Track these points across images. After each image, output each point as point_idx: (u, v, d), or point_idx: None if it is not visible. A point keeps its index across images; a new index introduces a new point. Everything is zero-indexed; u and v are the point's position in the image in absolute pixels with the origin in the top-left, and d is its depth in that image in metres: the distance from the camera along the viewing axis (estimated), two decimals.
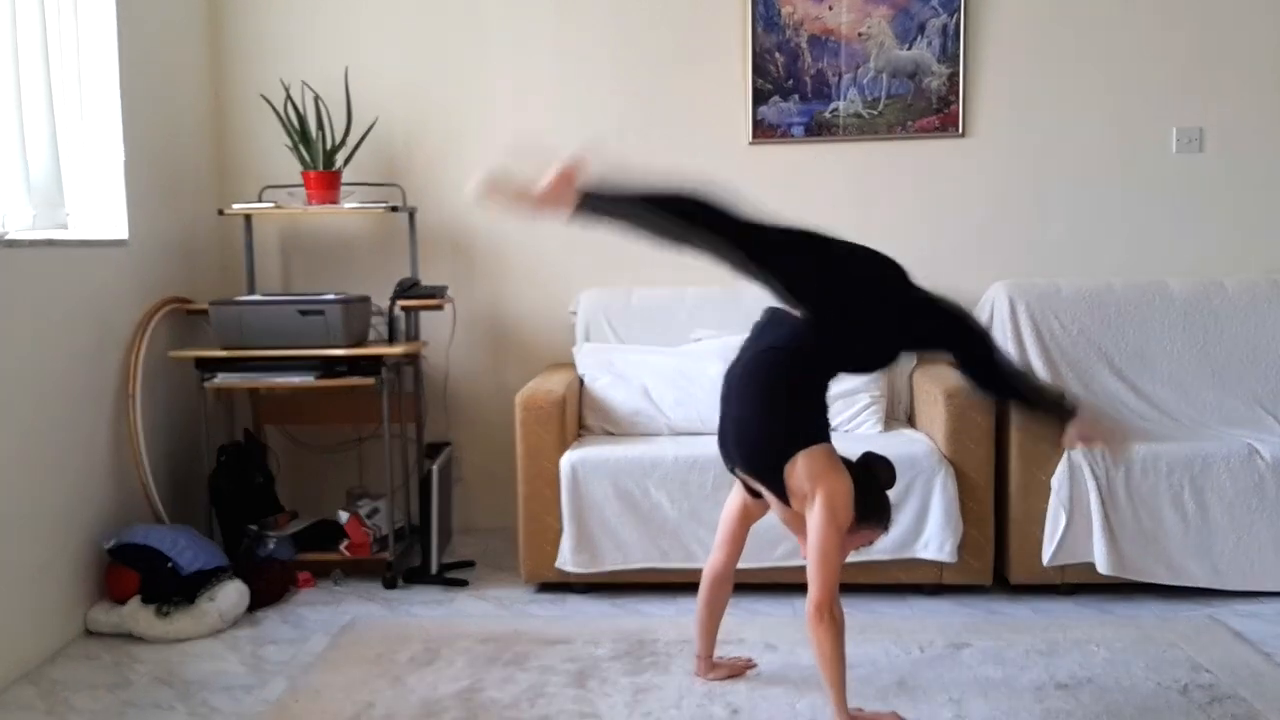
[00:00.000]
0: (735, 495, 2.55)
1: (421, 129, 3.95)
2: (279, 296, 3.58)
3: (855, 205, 3.88)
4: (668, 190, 2.31)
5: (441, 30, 3.91)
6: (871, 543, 2.45)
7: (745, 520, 2.55)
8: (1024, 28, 3.80)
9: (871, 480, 2.40)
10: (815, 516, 2.28)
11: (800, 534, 2.39)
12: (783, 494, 2.35)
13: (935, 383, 3.32)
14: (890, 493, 3.08)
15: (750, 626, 2.94)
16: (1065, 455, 3.11)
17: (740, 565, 3.00)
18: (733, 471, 2.49)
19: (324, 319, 3.31)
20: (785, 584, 3.20)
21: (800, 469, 2.30)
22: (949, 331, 2.47)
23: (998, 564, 3.24)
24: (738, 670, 2.65)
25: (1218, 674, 2.60)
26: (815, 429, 2.37)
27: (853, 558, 3.12)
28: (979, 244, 3.86)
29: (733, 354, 3.49)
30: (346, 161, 3.74)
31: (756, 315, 3.69)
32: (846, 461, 2.39)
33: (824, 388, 2.44)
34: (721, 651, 2.69)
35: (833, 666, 2.25)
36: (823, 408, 2.43)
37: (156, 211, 3.52)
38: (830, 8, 3.81)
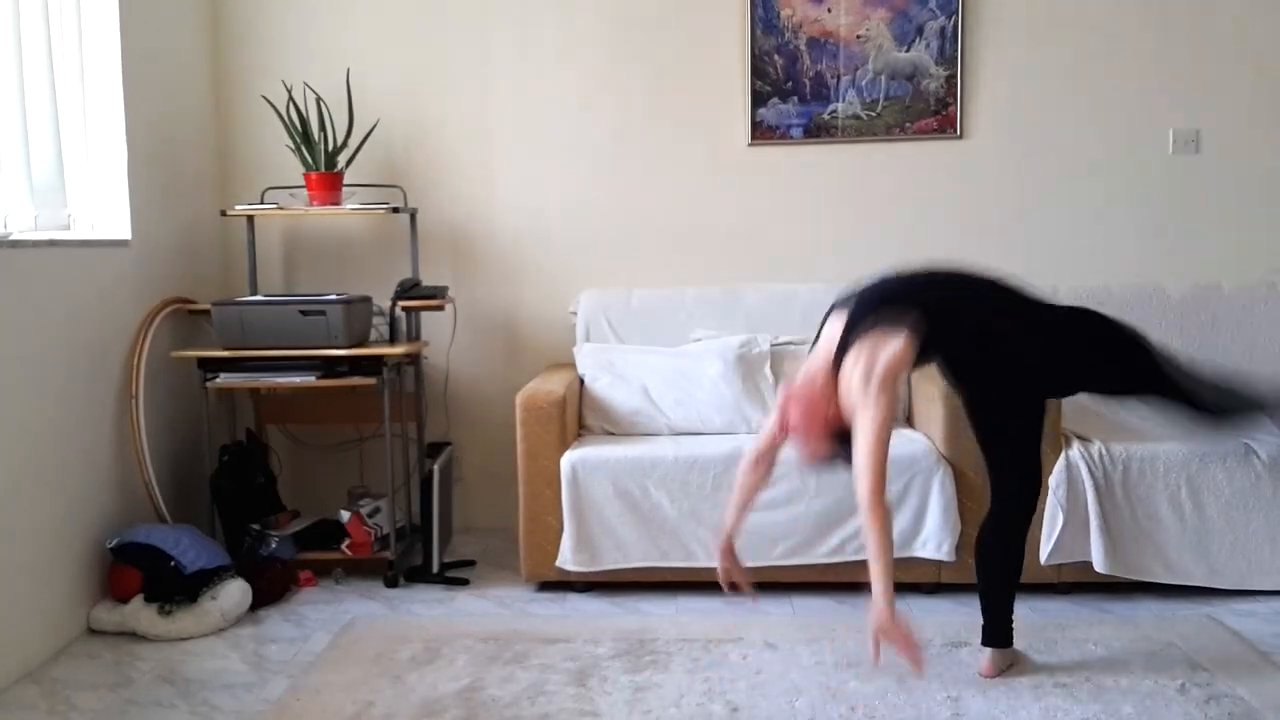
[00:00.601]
0: (766, 428, 2.61)
1: (422, 131, 3.96)
2: (281, 297, 3.60)
3: (853, 207, 3.89)
4: None
5: (442, 32, 3.93)
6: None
7: (774, 448, 2.61)
8: (1022, 30, 3.82)
9: None
10: (868, 410, 2.32)
11: (802, 418, 2.43)
12: (847, 345, 2.39)
13: (933, 382, 3.34)
14: (888, 491, 3.12)
15: (750, 626, 2.95)
16: (1063, 454, 3.13)
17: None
18: (822, 323, 2.53)
19: (325, 319, 3.33)
20: (785, 583, 3.22)
21: (886, 345, 2.36)
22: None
23: None
24: (744, 580, 2.66)
25: (1215, 672, 2.61)
26: (936, 332, 2.41)
27: (851, 556, 3.16)
28: (977, 245, 3.87)
29: (731, 354, 3.52)
30: (348, 163, 3.75)
31: (755, 315, 3.73)
32: None
33: (961, 345, 2.51)
34: (722, 650, 2.70)
35: (886, 555, 2.36)
36: (956, 338, 2.49)
37: (159, 212, 3.53)
38: (829, 10, 3.83)
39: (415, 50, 3.94)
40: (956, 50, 3.81)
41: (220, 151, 3.99)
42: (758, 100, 3.86)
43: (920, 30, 3.81)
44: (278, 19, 3.95)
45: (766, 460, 2.64)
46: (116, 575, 3.08)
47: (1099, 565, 3.10)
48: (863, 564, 3.17)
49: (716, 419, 3.48)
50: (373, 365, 3.39)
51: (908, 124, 3.85)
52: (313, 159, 3.68)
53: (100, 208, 3.31)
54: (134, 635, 2.99)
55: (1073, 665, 2.68)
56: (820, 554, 3.17)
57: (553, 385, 3.35)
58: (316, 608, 3.24)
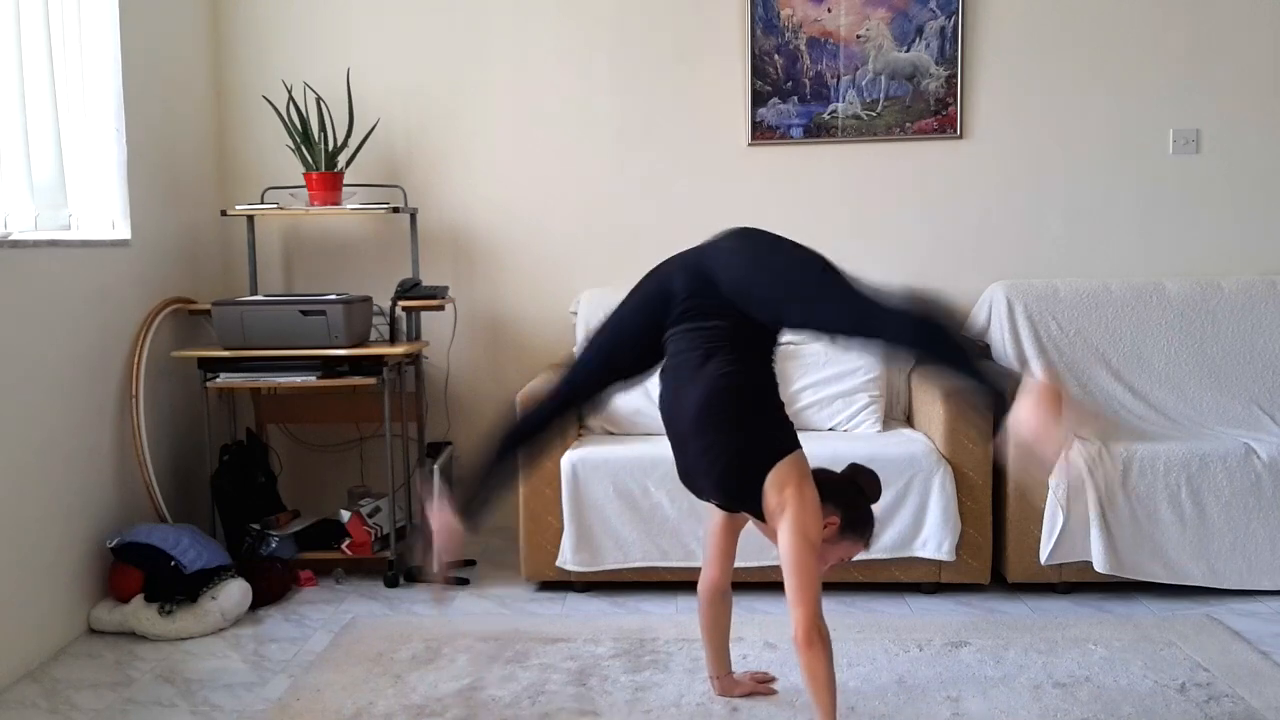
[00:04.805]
0: (715, 512, 2.42)
1: (423, 130, 3.96)
2: (281, 297, 3.60)
3: (853, 207, 3.90)
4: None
5: (443, 32, 3.93)
6: (850, 559, 2.35)
7: (731, 533, 2.44)
8: (1022, 30, 3.82)
9: (858, 494, 2.32)
10: (786, 537, 2.14)
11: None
12: (761, 513, 2.24)
13: (934, 382, 3.34)
14: (888, 492, 3.13)
15: (750, 625, 2.95)
16: (1063, 454, 3.13)
17: (740, 564, 3.02)
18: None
19: (326, 319, 3.33)
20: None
21: (770, 485, 2.18)
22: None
23: (995, 563, 3.25)
24: (762, 688, 2.56)
25: (1215, 672, 2.62)
26: (782, 436, 2.24)
27: None
28: (977, 245, 3.88)
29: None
30: (348, 163, 3.75)
31: None
32: (831, 474, 2.32)
33: (773, 382, 2.30)
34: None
35: (825, 689, 2.12)
36: (780, 405, 2.29)
37: (159, 212, 3.53)
38: (829, 10, 3.83)
39: (416, 50, 3.95)
40: (956, 50, 3.81)
41: (220, 151, 4.00)
42: (758, 100, 3.86)
43: (920, 30, 3.81)
44: (278, 19, 3.95)
45: (728, 591, 2.48)
46: (117, 575, 3.08)
47: (1099, 565, 3.10)
48: (862, 564, 3.19)
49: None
50: (373, 365, 3.39)
51: (908, 124, 3.85)
52: (313, 159, 3.68)
53: (100, 208, 3.31)
54: (134, 635, 2.99)
55: (1073, 665, 2.68)
56: None
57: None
58: (317, 607, 3.24)
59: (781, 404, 2.30)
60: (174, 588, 3.01)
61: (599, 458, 3.21)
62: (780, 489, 2.17)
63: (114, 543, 3.09)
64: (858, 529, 2.30)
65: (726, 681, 2.54)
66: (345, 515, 3.51)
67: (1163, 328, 3.63)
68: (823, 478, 2.29)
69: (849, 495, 2.30)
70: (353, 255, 4.01)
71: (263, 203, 3.83)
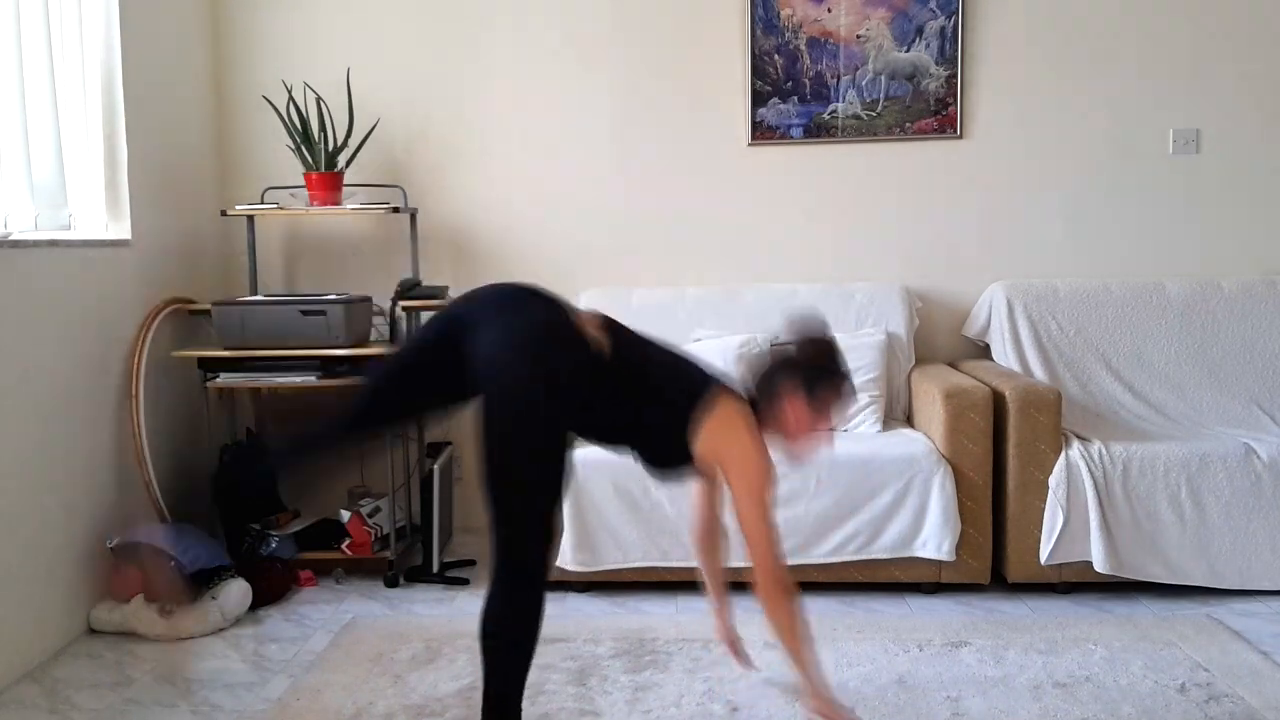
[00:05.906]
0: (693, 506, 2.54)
1: (423, 131, 3.96)
2: (281, 297, 3.60)
3: (853, 207, 3.90)
4: None
5: (443, 32, 3.93)
6: (836, 421, 2.22)
7: (712, 520, 2.54)
8: (1022, 30, 3.82)
9: (803, 362, 2.17)
10: (736, 497, 2.11)
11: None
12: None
13: (933, 382, 3.34)
14: (888, 492, 3.14)
15: (750, 625, 2.94)
16: (1063, 454, 3.13)
17: (739, 564, 3.03)
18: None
19: (326, 319, 3.33)
20: None
21: (697, 454, 2.12)
22: None
23: (996, 563, 3.25)
24: (739, 657, 2.64)
25: (1215, 673, 2.62)
26: (683, 390, 2.12)
27: (851, 556, 3.16)
28: (977, 245, 3.88)
29: (731, 354, 3.51)
30: (348, 163, 3.75)
31: (755, 315, 3.72)
32: (770, 359, 2.20)
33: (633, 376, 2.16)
34: (722, 650, 2.69)
35: (794, 637, 2.11)
36: (662, 381, 2.15)
37: (159, 212, 3.53)
38: (829, 10, 3.83)
39: (415, 50, 3.95)
40: (956, 50, 3.81)
41: (220, 151, 4.00)
42: (758, 100, 3.86)
43: (920, 30, 3.81)
44: (278, 19, 3.95)
45: (717, 528, 2.56)
46: (117, 575, 3.08)
47: (1099, 565, 3.10)
48: (863, 564, 3.20)
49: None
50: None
51: (908, 124, 3.85)
52: (313, 159, 3.68)
53: (101, 208, 3.31)
54: (134, 635, 2.99)
55: (1073, 665, 2.68)
56: (820, 554, 3.17)
57: None
58: (317, 607, 3.24)
59: (668, 376, 2.17)
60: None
61: (599, 458, 3.20)
62: (711, 452, 2.13)
63: (114, 543, 3.09)
64: (821, 392, 2.17)
65: (725, 626, 2.62)
66: (345, 515, 3.51)
67: (1163, 328, 3.64)
68: (762, 368, 2.24)
69: (795, 368, 2.19)
70: (353, 255, 4.01)
71: (263, 203, 3.83)
